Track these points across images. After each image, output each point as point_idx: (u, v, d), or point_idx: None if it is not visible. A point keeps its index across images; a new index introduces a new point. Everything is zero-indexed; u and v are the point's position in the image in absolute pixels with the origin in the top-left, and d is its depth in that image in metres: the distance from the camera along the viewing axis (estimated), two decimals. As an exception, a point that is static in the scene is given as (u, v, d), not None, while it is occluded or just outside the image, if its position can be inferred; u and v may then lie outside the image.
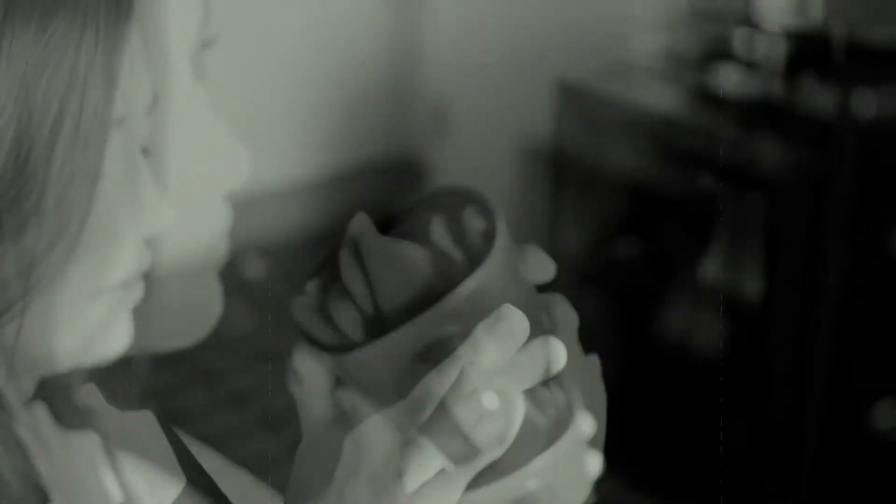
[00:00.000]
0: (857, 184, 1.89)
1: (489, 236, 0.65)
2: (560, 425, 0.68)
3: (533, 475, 0.67)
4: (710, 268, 2.25)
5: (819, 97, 2.01)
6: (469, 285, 0.63)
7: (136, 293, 0.69)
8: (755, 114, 2.25)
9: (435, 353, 0.63)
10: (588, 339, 0.71)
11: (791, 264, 1.98)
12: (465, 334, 0.63)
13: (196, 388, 2.91)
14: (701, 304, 2.29)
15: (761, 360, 2.06)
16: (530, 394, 0.65)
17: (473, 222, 0.67)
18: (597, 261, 2.43)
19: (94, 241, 0.66)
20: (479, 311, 0.63)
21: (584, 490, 0.72)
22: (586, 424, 0.74)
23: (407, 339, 0.63)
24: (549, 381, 0.67)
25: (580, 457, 0.72)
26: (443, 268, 0.65)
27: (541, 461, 0.67)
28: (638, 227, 2.46)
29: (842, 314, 1.94)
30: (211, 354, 3.00)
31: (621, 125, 2.38)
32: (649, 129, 2.41)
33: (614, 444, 0.77)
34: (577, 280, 2.42)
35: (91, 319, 0.67)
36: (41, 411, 0.76)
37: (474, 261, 0.64)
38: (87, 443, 0.74)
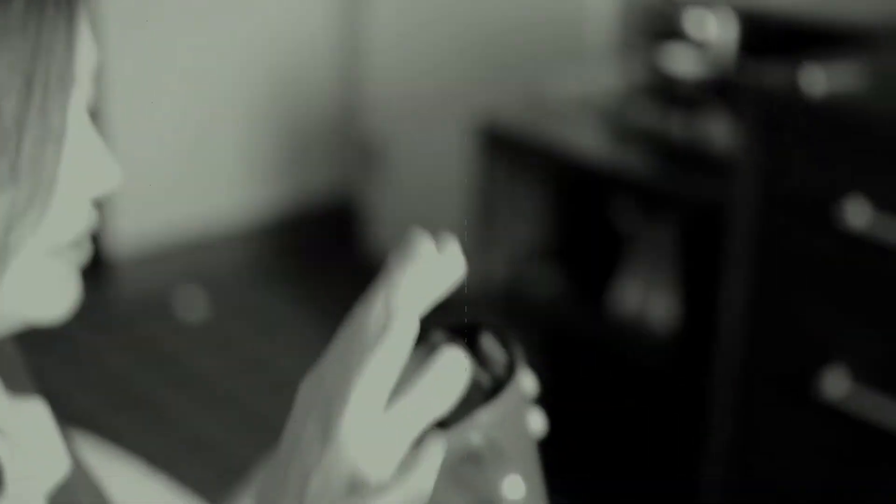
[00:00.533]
0: (807, 160, 1.92)
1: (510, 367, 0.74)
2: (502, 383, 0.72)
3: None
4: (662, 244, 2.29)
5: (769, 76, 2.04)
6: (497, 407, 0.70)
7: (85, 251, 0.72)
8: (707, 93, 2.28)
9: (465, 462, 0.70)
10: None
11: (744, 241, 2.01)
12: (491, 445, 0.70)
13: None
14: (653, 282, 2.34)
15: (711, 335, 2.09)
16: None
17: (495, 351, 0.75)
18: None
19: (55, 202, 0.69)
20: (505, 422, 0.71)
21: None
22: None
23: (451, 442, 0.69)
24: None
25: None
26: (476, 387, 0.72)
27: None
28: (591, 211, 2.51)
29: (792, 286, 1.97)
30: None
31: (568, 112, 2.42)
32: (602, 112, 2.44)
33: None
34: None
35: (51, 277, 0.71)
36: None
37: (499, 384, 0.73)
38: None
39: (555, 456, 2.49)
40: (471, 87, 3.01)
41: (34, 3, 0.67)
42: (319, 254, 3.57)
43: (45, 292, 0.72)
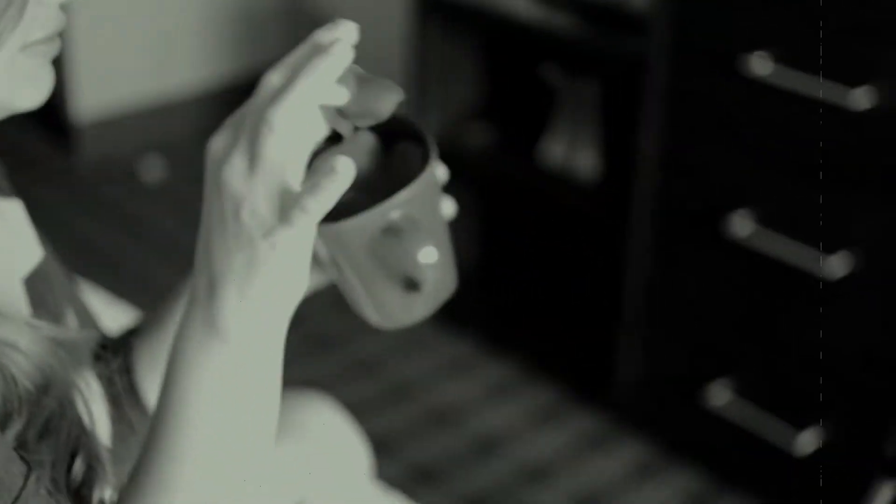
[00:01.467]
0: (715, 15, 2.02)
1: (425, 157, 0.87)
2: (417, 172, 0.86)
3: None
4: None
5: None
6: (414, 188, 0.84)
7: (56, 47, 0.83)
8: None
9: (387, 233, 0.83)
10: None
11: (658, 92, 2.12)
12: (408, 220, 0.83)
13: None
14: (578, 134, 2.45)
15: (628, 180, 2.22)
16: None
17: (411, 149, 0.89)
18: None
19: (30, 4, 0.79)
20: (420, 201, 0.84)
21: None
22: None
23: (375, 218, 0.83)
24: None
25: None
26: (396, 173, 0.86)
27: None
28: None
29: (702, 134, 2.10)
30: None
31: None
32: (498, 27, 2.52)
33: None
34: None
35: (28, 68, 0.81)
36: None
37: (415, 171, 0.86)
38: None
39: (490, 293, 2.67)
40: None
41: None
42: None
43: (25, 82, 0.81)
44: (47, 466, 0.83)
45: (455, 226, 0.95)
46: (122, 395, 1.05)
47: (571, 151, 2.45)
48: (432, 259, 0.85)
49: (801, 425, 2.08)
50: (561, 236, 2.63)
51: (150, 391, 1.07)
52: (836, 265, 1.94)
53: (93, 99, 3.47)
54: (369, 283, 0.87)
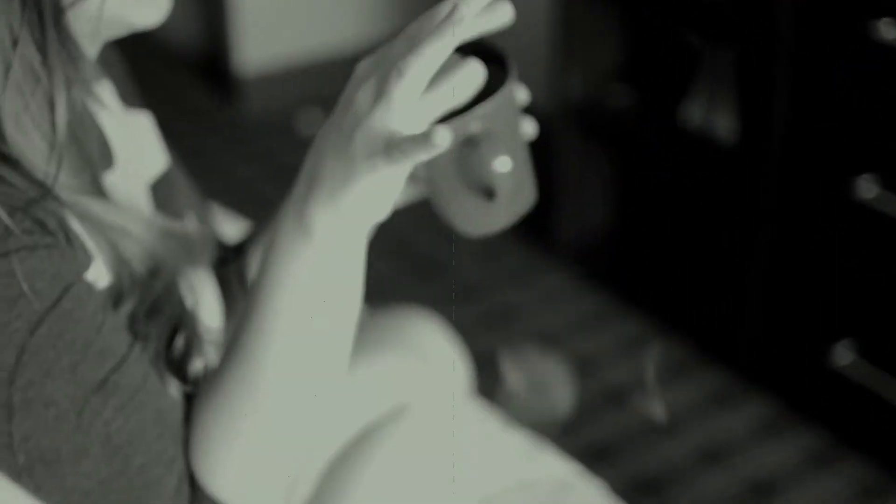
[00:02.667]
0: None
1: (506, 75, 0.93)
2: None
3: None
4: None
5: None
6: (492, 103, 0.90)
7: None
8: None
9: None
10: None
11: (789, 59, 2.16)
12: (486, 132, 0.90)
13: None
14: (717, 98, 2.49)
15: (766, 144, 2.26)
16: None
17: (495, 71, 0.93)
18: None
19: None
20: (498, 116, 0.91)
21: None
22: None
23: (456, 129, 0.89)
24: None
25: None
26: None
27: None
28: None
29: (829, 96, 2.13)
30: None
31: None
32: None
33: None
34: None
35: None
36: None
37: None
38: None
39: (625, 250, 2.72)
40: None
41: None
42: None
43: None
44: (152, 340, 0.92)
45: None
46: (237, 295, 1.14)
47: (710, 114, 2.49)
48: (507, 168, 0.91)
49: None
50: (696, 197, 2.67)
51: None
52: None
53: (257, 53, 3.59)
54: (453, 193, 0.95)
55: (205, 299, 1.03)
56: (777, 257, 2.31)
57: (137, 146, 1.06)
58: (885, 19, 1.97)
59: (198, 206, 1.14)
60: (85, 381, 0.84)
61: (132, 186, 1.01)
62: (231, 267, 1.15)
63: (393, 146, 0.82)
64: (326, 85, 3.63)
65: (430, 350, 1.44)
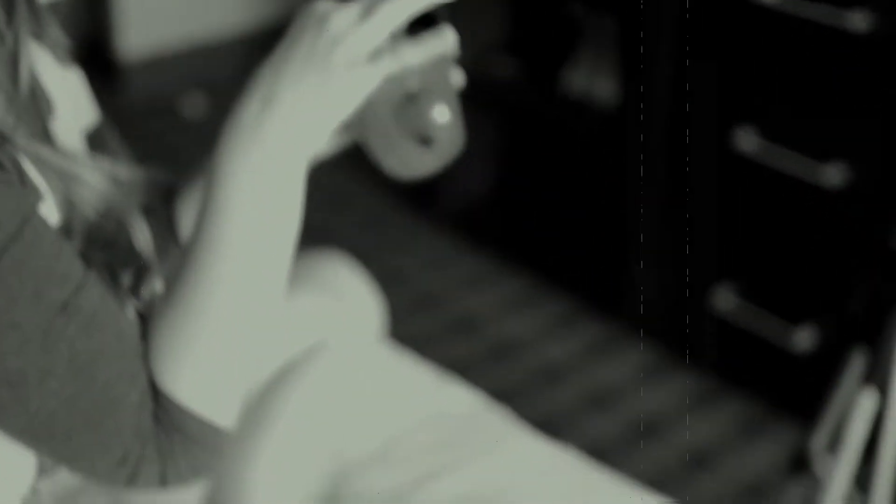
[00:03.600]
0: None
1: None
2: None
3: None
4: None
5: None
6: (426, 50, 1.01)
7: None
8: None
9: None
10: None
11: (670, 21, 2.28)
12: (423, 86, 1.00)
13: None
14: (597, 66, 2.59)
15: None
16: None
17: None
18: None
19: None
20: (433, 71, 1.02)
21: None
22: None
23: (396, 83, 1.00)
24: None
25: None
26: None
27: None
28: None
29: (712, 57, 2.25)
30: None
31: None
32: None
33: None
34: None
35: None
36: None
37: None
38: None
39: (510, 213, 2.81)
40: None
41: None
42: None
43: None
44: (105, 269, 0.98)
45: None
46: (165, 234, 1.21)
47: (591, 82, 2.59)
48: (445, 118, 1.02)
49: (798, 324, 2.23)
50: (579, 159, 2.78)
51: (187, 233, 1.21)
52: (833, 176, 2.09)
53: (138, 38, 3.61)
54: (390, 141, 1.03)
55: (141, 240, 1.08)
56: (660, 211, 2.42)
57: (73, 99, 1.11)
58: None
59: (126, 157, 1.20)
60: (48, 305, 0.87)
61: (71, 136, 1.07)
62: (159, 213, 1.21)
63: (379, 55, 0.95)
64: (209, 69, 3.68)
65: (346, 290, 1.50)
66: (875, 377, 1.60)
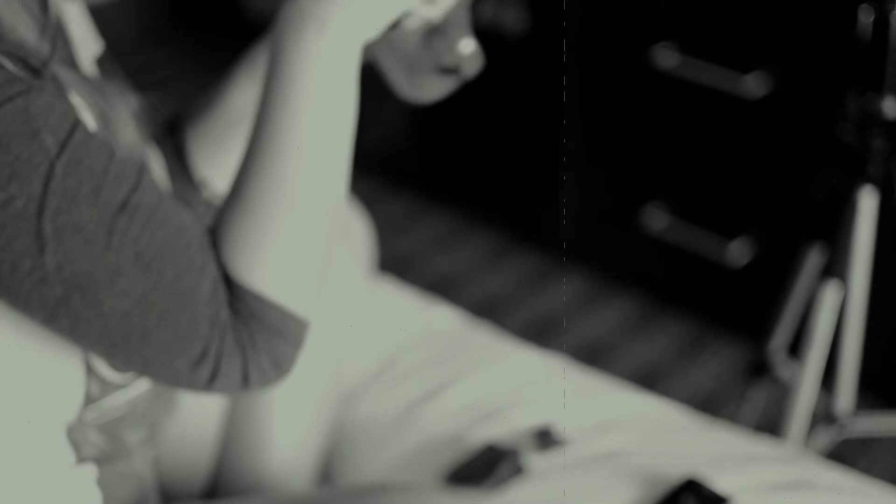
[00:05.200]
0: None
1: None
2: None
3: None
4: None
5: None
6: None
7: None
8: None
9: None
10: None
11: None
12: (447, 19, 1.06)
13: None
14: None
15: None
16: None
17: None
18: None
19: None
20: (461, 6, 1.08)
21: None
22: None
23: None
24: None
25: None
26: None
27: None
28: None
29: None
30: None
31: None
32: None
33: None
34: None
35: None
36: None
37: None
38: None
39: (429, 153, 2.78)
40: None
41: None
42: (203, 15, 3.77)
43: None
44: None
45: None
46: (173, 163, 1.21)
47: (499, 9, 2.57)
48: (470, 49, 1.07)
49: (730, 238, 2.24)
50: (494, 94, 2.76)
51: (202, 168, 1.22)
52: (755, 86, 2.10)
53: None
54: (414, 67, 1.09)
55: (155, 170, 1.09)
56: (582, 136, 2.42)
57: (80, 28, 1.10)
58: None
59: (130, 85, 1.18)
60: (108, 204, 0.88)
61: (84, 63, 1.07)
62: (165, 143, 1.21)
63: None
64: (95, 25, 3.58)
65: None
66: (836, 269, 1.61)
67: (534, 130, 2.57)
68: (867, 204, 1.57)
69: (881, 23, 1.49)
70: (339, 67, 0.96)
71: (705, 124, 2.24)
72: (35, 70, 0.87)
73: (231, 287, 0.94)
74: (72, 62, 1.01)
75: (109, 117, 0.99)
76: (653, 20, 2.23)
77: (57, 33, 0.97)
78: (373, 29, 0.98)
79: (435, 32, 1.06)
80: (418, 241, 2.71)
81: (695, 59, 2.17)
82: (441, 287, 2.54)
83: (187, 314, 0.91)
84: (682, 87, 2.20)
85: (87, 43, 1.10)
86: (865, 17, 1.50)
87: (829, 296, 1.61)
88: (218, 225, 0.96)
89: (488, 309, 2.47)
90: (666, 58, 2.19)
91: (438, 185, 2.83)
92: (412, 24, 1.06)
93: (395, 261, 2.61)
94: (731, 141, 2.21)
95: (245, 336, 0.94)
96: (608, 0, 2.27)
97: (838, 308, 1.64)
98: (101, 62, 1.11)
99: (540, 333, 2.40)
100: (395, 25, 1.05)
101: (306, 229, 0.96)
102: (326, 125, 0.96)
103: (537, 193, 2.60)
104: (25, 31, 0.91)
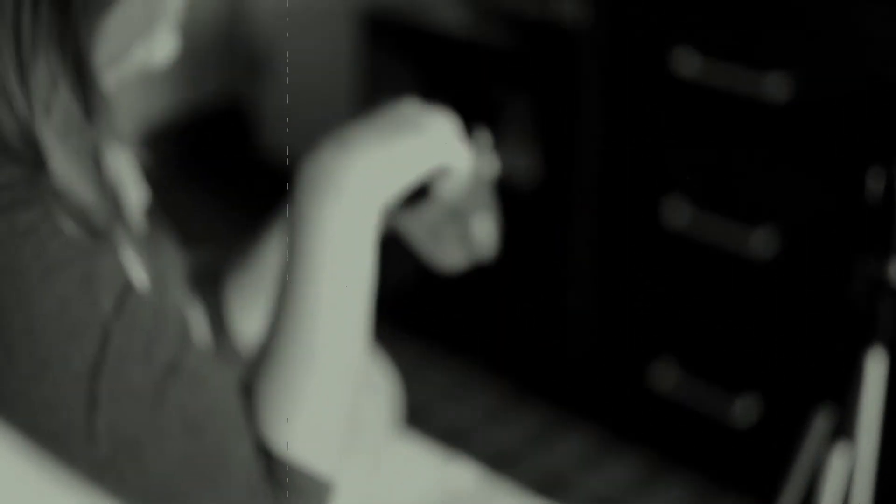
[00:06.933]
0: (642, 22, 2.19)
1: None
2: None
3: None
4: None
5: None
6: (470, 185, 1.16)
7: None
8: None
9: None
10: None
11: (593, 96, 2.29)
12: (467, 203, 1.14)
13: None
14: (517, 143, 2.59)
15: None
16: None
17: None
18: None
19: None
20: (474, 191, 1.16)
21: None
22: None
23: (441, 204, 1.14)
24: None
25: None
26: None
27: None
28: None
29: (636, 129, 2.26)
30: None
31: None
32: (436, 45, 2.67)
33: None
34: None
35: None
36: None
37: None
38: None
39: (437, 302, 2.76)
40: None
41: None
42: (212, 155, 3.79)
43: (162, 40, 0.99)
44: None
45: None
46: (216, 319, 1.23)
47: (511, 160, 2.59)
48: (485, 231, 1.14)
49: (739, 398, 2.22)
50: (505, 244, 2.76)
51: (240, 324, 1.24)
52: (764, 244, 2.10)
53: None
54: (438, 239, 1.16)
55: (197, 326, 1.13)
56: (591, 290, 2.41)
57: (128, 175, 1.13)
58: (683, 49, 2.11)
59: (176, 237, 1.22)
60: (158, 366, 0.90)
61: (133, 211, 1.10)
62: (209, 298, 1.24)
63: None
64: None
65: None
66: (845, 432, 1.59)
67: (542, 282, 2.56)
68: (876, 367, 1.56)
69: (890, 187, 1.50)
70: (356, 234, 0.99)
71: (714, 283, 2.24)
72: (96, 231, 0.89)
73: (264, 451, 0.96)
74: (124, 216, 1.03)
75: (160, 274, 1.02)
76: (664, 169, 2.24)
77: (113, 194, 0.99)
78: (388, 195, 1.01)
79: (456, 207, 1.12)
80: (427, 391, 2.68)
81: (705, 214, 2.17)
82: (447, 439, 2.51)
83: (226, 477, 0.93)
84: (692, 245, 2.21)
85: (134, 189, 1.13)
86: (874, 181, 1.51)
87: (838, 460, 1.59)
88: (252, 391, 0.99)
89: (494, 462, 2.44)
90: (677, 213, 2.19)
91: (444, 335, 2.81)
92: (435, 197, 1.12)
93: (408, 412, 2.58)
94: (740, 299, 2.20)
95: (278, 500, 0.96)
96: (622, 151, 2.28)
97: (848, 473, 1.62)
98: (150, 214, 1.14)
99: (547, 490, 2.36)
100: (419, 197, 1.12)
101: (335, 394, 0.99)
102: (347, 291, 0.99)
103: (544, 346, 2.58)
104: (85, 190, 0.92)
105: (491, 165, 1.17)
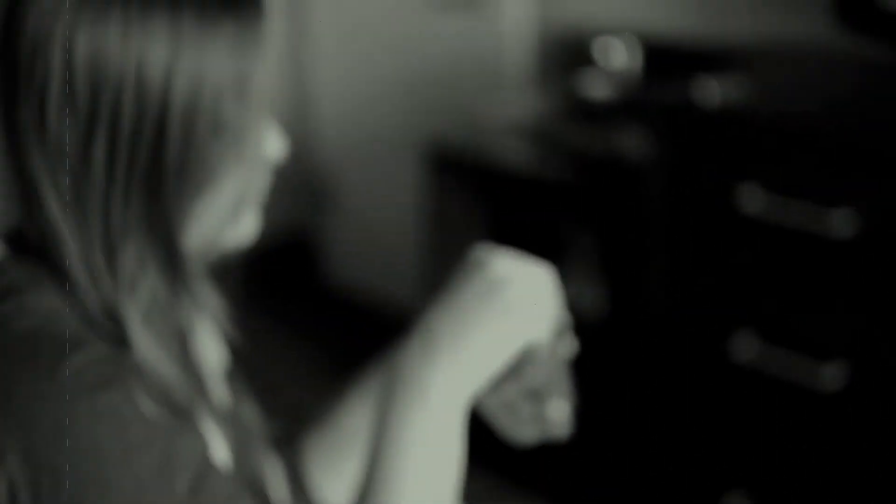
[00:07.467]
0: (706, 158, 2.22)
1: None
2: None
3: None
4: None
5: (669, 92, 2.35)
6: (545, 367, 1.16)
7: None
8: (617, 111, 2.57)
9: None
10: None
11: (658, 232, 2.31)
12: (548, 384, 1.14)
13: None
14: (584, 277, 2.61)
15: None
16: None
17: None
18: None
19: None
20: (549, 372, 1.16)
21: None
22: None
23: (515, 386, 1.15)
24: None
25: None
26: None
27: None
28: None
29: (701, 266, 2.27)
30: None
31: (502, 135, 2.70)
32: (531, 133, 2.70)
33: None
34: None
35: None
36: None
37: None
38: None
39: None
40: (409, 119, 3.25)
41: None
42: (279, 288, 3.81)
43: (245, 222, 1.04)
44: None
45: None
46: (292, 482, 1.23)
47: (578, 296, 2.61)
48: (561, 413, 1.16)
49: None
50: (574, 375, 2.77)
51: (318, 483, 1.25)
52: (832, 378, 2.10)
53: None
54: (514, 416, 1.17)
55: (277, 484, 1.14)
56: (659, 422, 2.41)
57: (214, 344, 1.15)
58: (749, 186, 2.13)
59: (253, 400, 1.23)
60: None
61: (214, 372, 1.12)
62: (287, 457, 1.25)
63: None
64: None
65: None
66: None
67: (610, 418, 2.57)
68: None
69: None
70: (443, 433, 1.01)
71: (781, 418, 2.23)
72: (178, 409, 0.91)
73: None
74: (207, 392, 1.04)
75: (241, 443, 1.04)
76: (730, 304, 2.24)
77: (198, 368, 1.02)
78: (473, 390, 1.03)
79: (535, 388, 1.15)
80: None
81: (774, 349, 2.18)
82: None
83: None
84: (760, 378, 2.20)
85: (215, 353, 1.14)
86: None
87: None
88: None
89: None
90: (745, 349, 2.20)
91: (511, 470, 2.81)
92: (517, 378, 1.14)
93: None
94: (807, 432, 2.20)
95: None
96: (688, 286, 2.30)
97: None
98: (231, 377, 1.15)
99: None
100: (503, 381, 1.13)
101: None
102: (434, 484, 1.01)
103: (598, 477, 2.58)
104: (168, 369, 0.94)
105: (570, 346, 1.20)
